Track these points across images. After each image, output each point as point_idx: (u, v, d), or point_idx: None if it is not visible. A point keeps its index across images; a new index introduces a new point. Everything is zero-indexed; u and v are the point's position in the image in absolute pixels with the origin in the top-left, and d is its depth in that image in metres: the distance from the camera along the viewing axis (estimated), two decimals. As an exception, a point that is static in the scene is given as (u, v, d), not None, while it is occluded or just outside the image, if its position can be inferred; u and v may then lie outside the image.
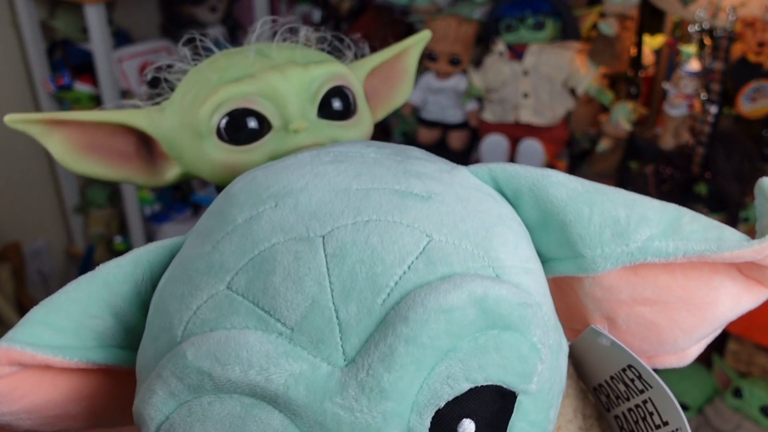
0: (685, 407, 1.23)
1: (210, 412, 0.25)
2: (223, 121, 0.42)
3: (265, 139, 0.43)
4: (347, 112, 0.45)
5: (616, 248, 0.30)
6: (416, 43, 0.56)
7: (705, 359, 1.26)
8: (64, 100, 1.61)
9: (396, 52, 0.54)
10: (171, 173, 0.48)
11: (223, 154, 0.43)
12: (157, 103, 0.47)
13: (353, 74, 0.47)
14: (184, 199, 1.78)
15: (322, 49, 0.50)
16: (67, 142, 0.47)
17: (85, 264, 1.76)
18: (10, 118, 0.44)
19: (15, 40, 1.60)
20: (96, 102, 1.60)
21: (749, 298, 0.33)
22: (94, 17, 1.42)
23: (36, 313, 0.30)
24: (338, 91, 0.45)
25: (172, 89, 0.47)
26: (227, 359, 0.25)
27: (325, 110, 0.44)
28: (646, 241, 0.29)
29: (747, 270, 0.32)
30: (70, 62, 1.61)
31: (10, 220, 1.69)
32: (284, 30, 0.49)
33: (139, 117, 0.46)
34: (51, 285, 1.83)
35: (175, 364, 0.26)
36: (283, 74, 0.42)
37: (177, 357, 0.26)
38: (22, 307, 1.61)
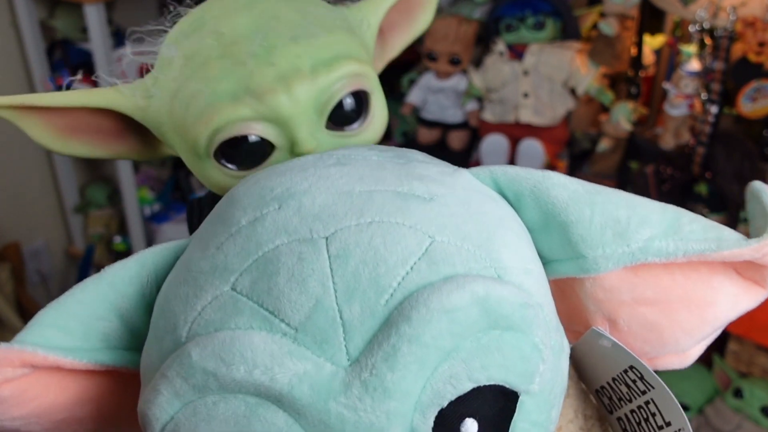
0: (685, 408, 1.23)
1: (215, 411, 0.25)
2: (221, 145, 0.38)
3: (269, 162, 0.39)
4: (360, 112, 0.41)
5: (618, 248, 0.30)
6: None
7: (705, 359, 1.26)
8: (63, 100, 1.61)
9: None
10: (163, 149, 0.44)
11: (223, 177, 0.40)
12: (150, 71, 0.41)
13: (368, 57, 0.42)
14: (184, 199, 1.78)
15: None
16: (45, 126, 0.42)
17: (84, 264, 1.76)
18: None
19: (15, 40, 1.60)
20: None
21: (747, 298, 0.33)
22: (94, 17, 1.42)
23: (44, 316, 0.30)
24: (352, 100, 0.40)
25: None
26: (232, 359, 0.25)
27: (336, 114, 0.40)
28: (646, 241, 0.30)
29: (744, 271, 0.32)
30: (70, 62, 1.61)
31: (9, 220, 1.69)
32: None
33: (122, 101, 0.41)
34: (50, 285, 1.82)
35: (180, 364, 0.26)
36: (288, 92, 0.37)
37: (182, 357, 0.26)
38: (22, 307, 1.61)
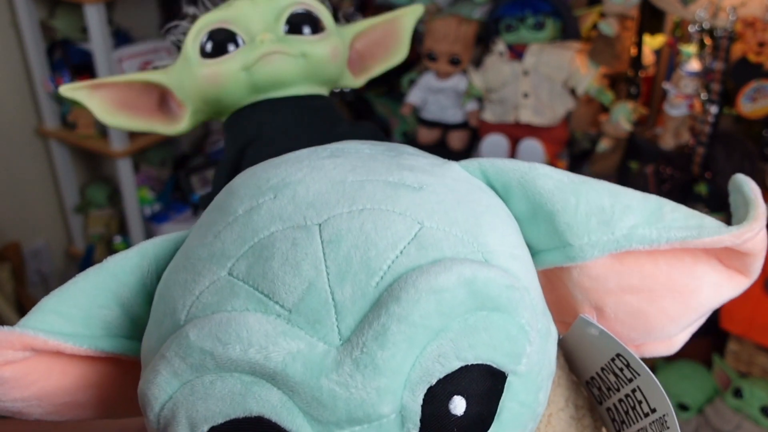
0: (685, 407, 1.23)
1: (212, 390, 0.26)
2: (204, 42, 0.55)
3: (237, 51, 0.54)
4: (315, 31, 0.55)
5: (602, 236, 0.31)
6: (405, 14, 0.64)
7: (705, 359, 1.26)
8: (63, 99, 1.61)
9: (386, 20, 0.63)
10: (184, 122, 0.59)
11: (204, 68, 0.55)
12: None
13: (331, 24, 0.57)
14: (184, 199, 1.78)
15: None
16: (104, 101, 0.58)
17: (84, 264, 1.76)
18: (63, 89, 0.57)
19: (15, 40, 1.60)
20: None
21: (730, 286, 0.34)
22: (94, 17, 1.42)
23: (47, 303, 0.31)
24: (306, 18, 0.55)
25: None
26: (228, 339, 0.26)
27: (292, 22, 0.55)
28: (630, 228, 0.31)
29: (727, 260, 0.33)
30: (70, 62, 1.61)
31: (9, 220, 1.69)
32: None
33: (158, 74, 0.58)
34: (51, 285, 1.83)
35: (179, 344, 0.26)
36: (253, 2, 0.54)
37: (180, 338, 0.27)
38: (22, 307, 1.61)
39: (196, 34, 0.55)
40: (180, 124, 0.59)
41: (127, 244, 1.76)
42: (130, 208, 1.66)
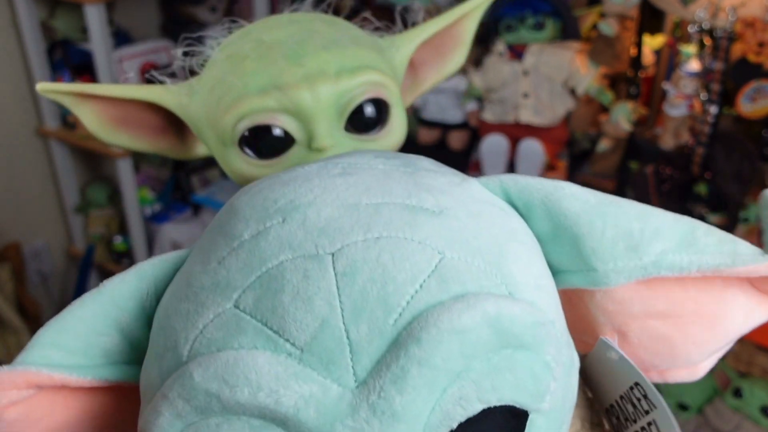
0: (685, 407, 1.23)
1: None
2: (246, 133, 0.41)
3: (288, 155, 0.42)
4: (379, 120, 0.43)
5: (630, 262, 0.29)
6: (477, 6, 0.52)
7: (705, 359, 1.26)
8: (64, 100, 1.61)
9: (453, 19, 0.51)
10: (201, 148, 0.48)
11: (244, 165, 0.42)
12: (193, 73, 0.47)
13: (392, 74, 0.44)
14: (184, 199, 1.78)
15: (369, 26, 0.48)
16: (98, 114, 0.46)
17: (84, 264, 1.76)
18: (41, 87, 0.44)
19: (15, 40, 1.60)
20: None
21: (761, 312, 0.32)
22: (94, 17, 1.42)
23: (44, 335, 0.30)
24: (373, 110, 0.43)
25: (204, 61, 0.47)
26: (236, 381, 0.24)
27: (355, 118, 0.42)
28: (659, 254, 0.29)
29: (760, 284, 0.31)
30: (70, 62, 1.61)
31: (9, 220, 1.69)
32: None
33: (168, 97, 0.45)
34: (51, 285, 1.83)
35: (182, 385, 0.25)
36: (312, 89, 0.40)
37: (183, 378, 0.25)
38: (22, 307, 1.61)
39: (235, 121, 0.41)
40: (195, 150, 0.50)
41: (127, 244, 1.76)
42: (130, 208, 1.66)
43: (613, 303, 0.31)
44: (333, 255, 0.26)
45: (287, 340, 0.25)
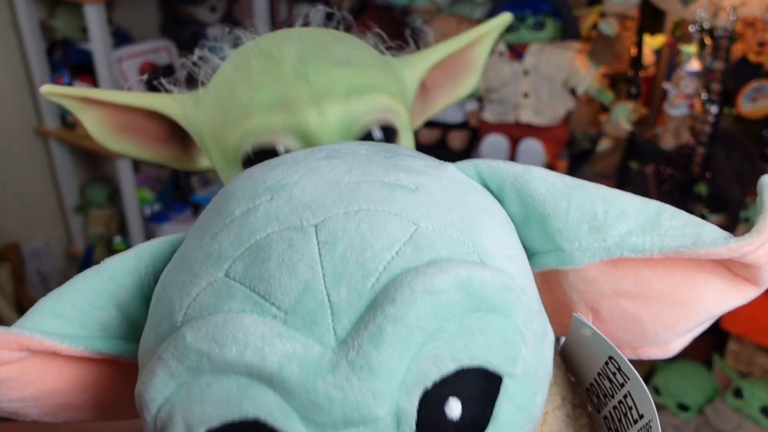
0: (685, 407, 1.23)
1: (208, 392, 0.26)
2: (251, 156, 0.40)
3: None
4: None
5: (593, 242, 0.30)
6: (491, 30, 0.50)
7: (705, 359, 1.26)
8: (63, 100, 1.61)
9: (467, 42, 0.50)
10: (204, 160, 0.48)
11: None
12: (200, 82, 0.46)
13: (402, 97, 0.43)
14: (184, 199, 1.78)
15: (379, 45, 0.46)
16: (101, 120, 0.46)
17: (84, 264, 1.76)
18: (46, 90, 0.44)
19: (15, 40, 1.60)
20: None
21: (736, 295, 0.33)
22: (94, 17, 1.42)
23: (44, 304, 0.31)
24: (382, 136, 0.42)
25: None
26: (224, 340, 0.26)
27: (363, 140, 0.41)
28: (623, 236, 0.30)
29: (735, 268, 0.32)
30: (70, 62, 1.61)
31: (9, 220, 1.69)
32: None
33: (173, 106, 0.44)
34: (50, 285, 1.83)
35: (176, 346, 0.27)
36: (319, 111, 0.39)
37: (177, 339, 0.27)
38: (22, 307, 1.61)
39: (240, 138, 0.40)
40: (199, 161, 0.49)
41: (127, 244, 1.76)
42: (130, 208, 1.66)
43: (584, 282, 0.32)
44: (316, 226, 0.28)
45: (273, 304, 0.27)
